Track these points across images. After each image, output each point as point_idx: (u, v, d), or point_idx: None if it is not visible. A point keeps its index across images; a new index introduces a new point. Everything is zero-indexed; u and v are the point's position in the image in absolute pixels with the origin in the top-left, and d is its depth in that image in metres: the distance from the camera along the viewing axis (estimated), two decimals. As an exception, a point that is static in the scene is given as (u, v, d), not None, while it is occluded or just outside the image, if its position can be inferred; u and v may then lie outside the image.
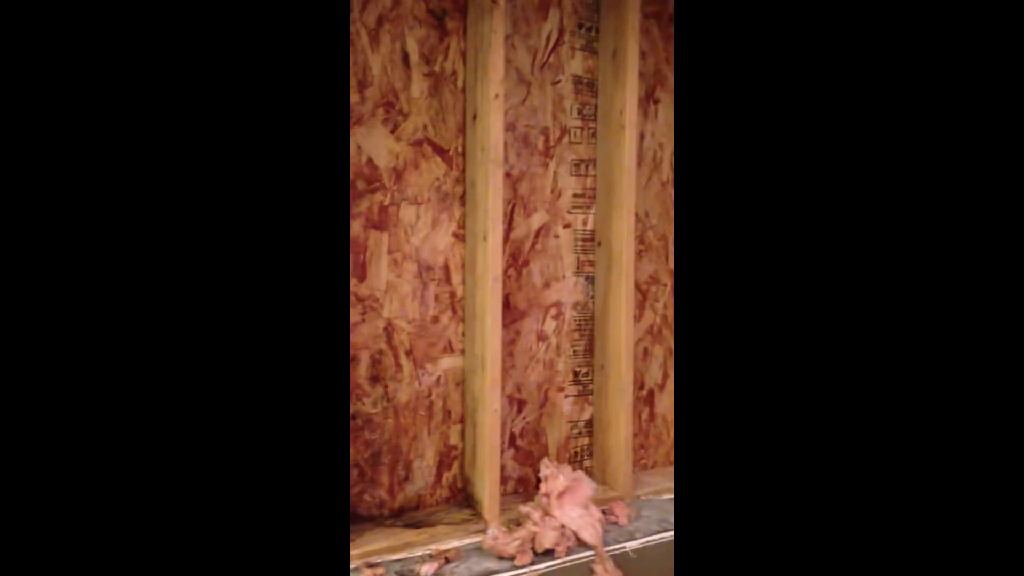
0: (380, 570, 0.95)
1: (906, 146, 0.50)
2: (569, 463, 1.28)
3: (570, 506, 1.04)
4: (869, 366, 0.50)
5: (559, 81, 1.22)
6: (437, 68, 1.11)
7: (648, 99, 1.32)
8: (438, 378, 1.15)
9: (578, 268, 1.27)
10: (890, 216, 0.50)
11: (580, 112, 1.25)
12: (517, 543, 0.97)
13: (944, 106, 0.49)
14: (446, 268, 1.14)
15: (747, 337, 0.52)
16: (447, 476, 1.17)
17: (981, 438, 0.48)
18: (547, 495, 1.05)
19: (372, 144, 1.07)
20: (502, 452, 1.20)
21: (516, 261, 1.20)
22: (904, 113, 0.50)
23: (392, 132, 1.08)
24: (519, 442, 1.24)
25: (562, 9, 1.21)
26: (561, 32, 1.22)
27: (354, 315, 1.08)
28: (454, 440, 1.17)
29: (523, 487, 1.24)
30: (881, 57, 0.50)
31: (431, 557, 0.98)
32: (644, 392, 1.38)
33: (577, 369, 1.28)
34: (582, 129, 1.25)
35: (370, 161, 1.07)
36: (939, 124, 0.50)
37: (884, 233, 0.50)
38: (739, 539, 0.51)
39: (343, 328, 0.56)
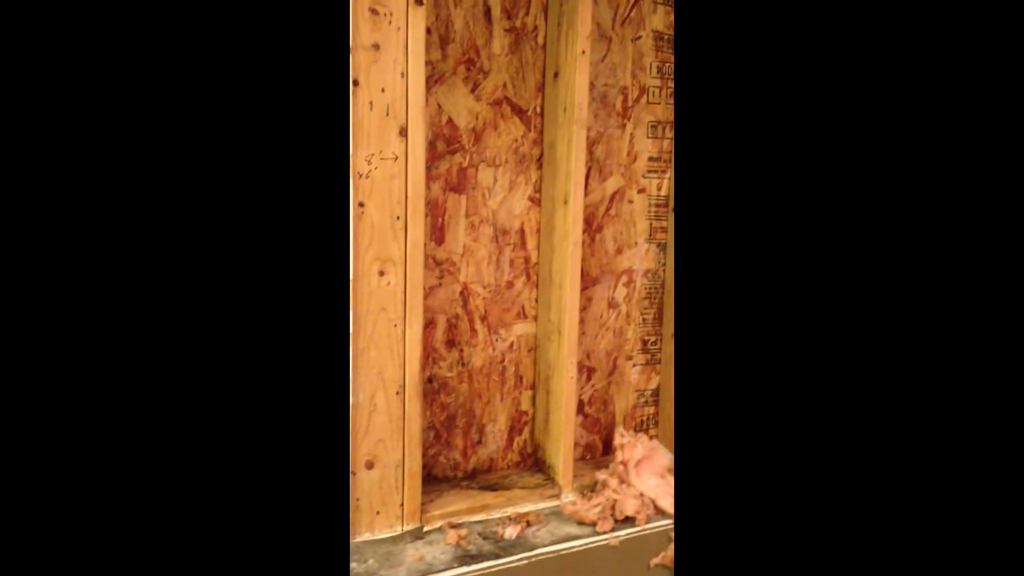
0: (463, 531, 0.96)
1: (900, 153, 0.49)
2: (635, 431, 1.27)
3: (647, 475, 1.03)
4: (867, 369, 0.49)
5: (640, 37, 1.16)
6: (518, 23, 1.06)
7: (729, 57, 1.26)
8: (511, 344, 1.14)
9: (651, 235, 1.24)
10: (887, 221, 0.49)
11: (660, 70, 1.19)
12: (598, 509, 0.97)
13: (934, 118, 0.48)
14: (521, 232, 1.12)
15: (746, 335, 0.51)
16: (518, 441, 1.17)
17: (978, 439, 0.47)
18: (624, 463, 1.04)
19: (452, 103, 1.04)
20: (572, 419, 1.20)
21: (590, 227, 1.17)
22: (899, 119, 0.49)
23: (472, 91, 1.05)
24: (587, 409, 1.23)
25: (646, -41, 1.15)
26: (644, -16, 1.15)
27: (431, 279, 1.06)
28: (525, 406, 1.17)
29: (590, 454, 1.24)
30: (883, 58, 0.48)
31: (512, 520, 0.98)
32: (712, 362, 1.35)
33: (646, 338, 1.26)
34: (661, 88, 1.20)
35: (450, 121, 1.04)
36: (927, 146, 0.48)
37: (881, 237, 0.49)
38: (737, 533, 0.51)
39: (343, 335, 0.55)
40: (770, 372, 0.50)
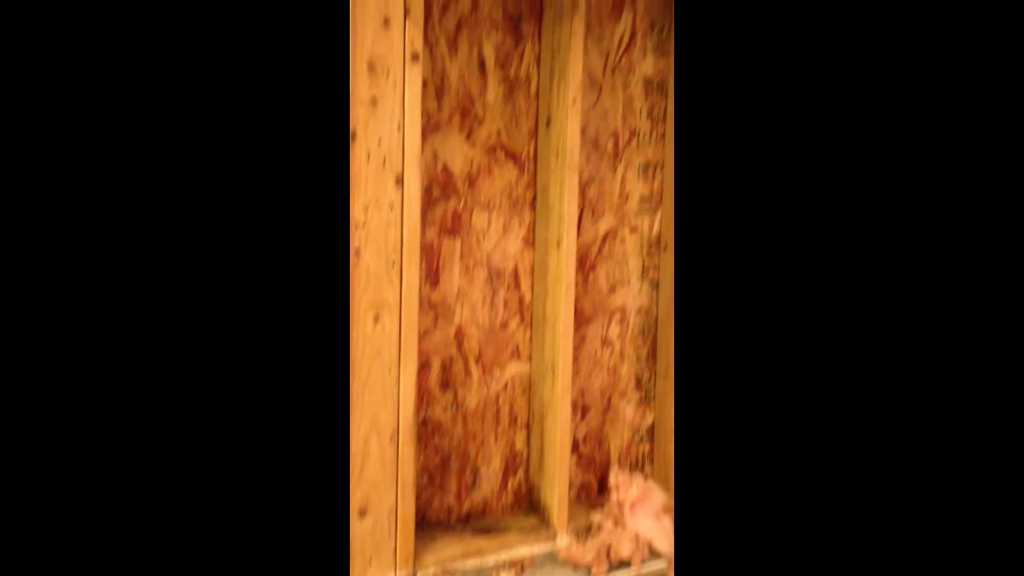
0: (458, 577, 0.95)
1: (894, 177, 0.49)
2: (630, 470, 1.28)
3: (643, 515, 1.03)
4: (869, 408, 0.49)
5: (630, 83, 1.20)
6: (512, 73, 1.09)
7: (717, 101, 1.29)
8: (505, 384, 1.15)
9: (643, 273, 1.26)
10: (886, 256, 0.50)
11: (649, 114, 1.23)
12: (594, 552, 0.96)
13: (922, 134, 0.49)
14: (515, 273, 1.13)
15: (745, 373, 0.52)
16: (512, 481, 1.17)
17: (975, 441, 0.47)
18: (619, 504, 1.04)
19: (448, 150, 1.06)
20: (567, 458, 1.20)
21: (583, 266, 1.19)
22: (893, 131, 0.49)
23: (467, 138, 1.07)
24: (582, 448, 1.23)
25: (635, 10, 1.19)
26: (633, 33, 1.19)
27: (426, 321, 1.08)
28: (519, 446, 1.17)
29: (585, 493, 1.24)
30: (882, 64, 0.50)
31: (506, 566, 0.98)
32: (706, 398, 1.36)
33: (640, 375, 1.27)
34: (650, 131, 1.23)
35: (445, 168, 1.06)
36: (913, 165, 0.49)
37: (880, 274, 0.50)
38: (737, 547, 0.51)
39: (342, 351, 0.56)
40: (769, 411, 0.51)
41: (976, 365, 0.48)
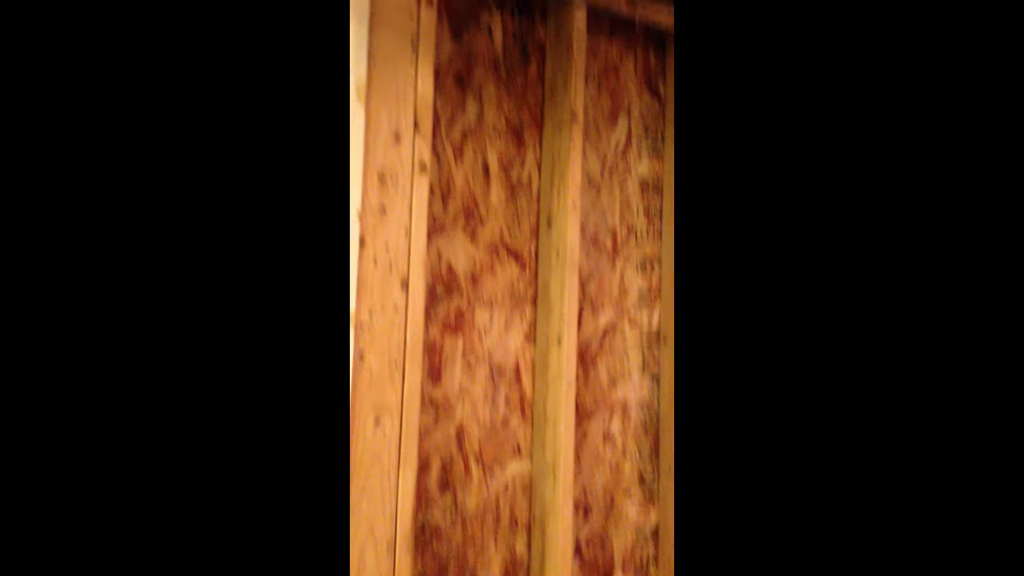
0: None
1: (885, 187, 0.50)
2: (635, 574, 1.22)
3: (651, 632, 0.97)
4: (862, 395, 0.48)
5: (626, 183, 1.25)
6: (514, 177, 1.14)
7: (710, 199, 1.34)
8: (505, 484, 1.11)
9: (644, 366, 1.26)
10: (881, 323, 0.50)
11: (646, 211, 1.27)
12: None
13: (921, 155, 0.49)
14: (516, 369, 1.13)
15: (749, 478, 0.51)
16: (513, 589, 1.11)
17: (973, 445, 0.46)
18: (626, 619, 0.99)
19: (452, 250, 1.08)
20: (569, 563, 1.15)
21: (584, 360, 1.19)
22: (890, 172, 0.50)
23: (471, 238, 1.10)
24: (584, 551, 1.18)
25: (630, 117, 1.25)
26: (629, 138, 1.25)
27: (427, 419, 1.06)
28: (520, 550, 1.12)
29: (589, 600, 1.18)
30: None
31: None
32: (710, 496, 1.32)
33: (643, 472, 1.24)
34: (648, 228, 1.27)
35: (449, 267, 1.08)
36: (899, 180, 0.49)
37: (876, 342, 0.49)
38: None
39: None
40: (776, 518, 0.49)
41: (975, 397, 0.47)
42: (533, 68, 1.16)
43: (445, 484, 1.07)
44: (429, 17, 0.98)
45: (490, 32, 1.12)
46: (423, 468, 1.05)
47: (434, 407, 1.07)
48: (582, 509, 1.18)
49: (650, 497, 1.25)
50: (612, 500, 1.21)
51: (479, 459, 1.10)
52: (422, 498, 1.05)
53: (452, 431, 1.08)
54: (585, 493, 1.18)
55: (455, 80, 1.08)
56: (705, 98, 0.55)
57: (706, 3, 0.55)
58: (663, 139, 1.29)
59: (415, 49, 0.95)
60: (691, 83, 0.56)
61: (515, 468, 1.12)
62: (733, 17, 0.54)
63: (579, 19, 1.11)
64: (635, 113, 1.26)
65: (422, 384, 1.04)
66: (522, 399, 1.13)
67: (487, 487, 1.10)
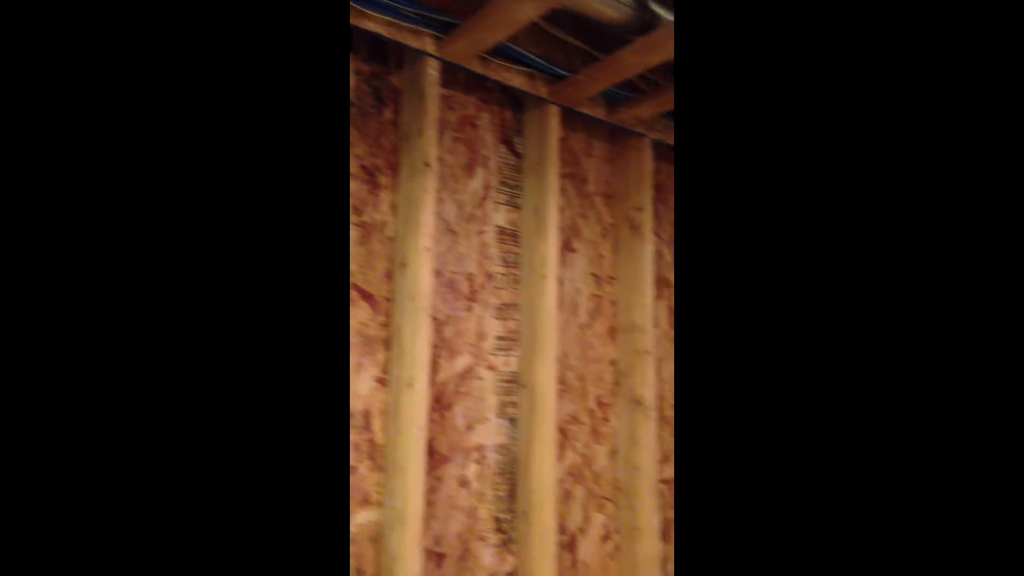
0: None
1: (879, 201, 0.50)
2: (490, 622, 1.20)
3: None
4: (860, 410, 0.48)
5: (484, 231, 1.29)
6: (367, 218, 1.14)
7: (566, 248, 1.42)
8: (352, 535, 1.06)
9: (500, 410, 1.28)
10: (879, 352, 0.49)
11: (504, 259, 1.32)
12: None
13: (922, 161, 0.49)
14: (367, 414, 1.10)
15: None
16: (357, 651, 1.05)
17: (970, 442, 0.46)
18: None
19: (297, 290, 1.05)
20: (419, 617, 1.10)
21: (440, 404, 1.19)
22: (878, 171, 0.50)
23: (319, 278, 1.08)
24: (437, 603, 1.15)
25: (488, 168, 1.31)
26: (487, 188, 1.31)
27: (264, 470, 0.99)
28: (366, 607, 1.06)
29: (441, 656, 1.13)
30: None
31: None
32: (566, 537, 1.35)
33: (499, 515, 1.24)
34: (505, 275, 1.31)
35: (294, 307, 1.05)
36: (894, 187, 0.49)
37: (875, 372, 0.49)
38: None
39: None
40: (774, 514, 0.48)
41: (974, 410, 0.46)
42: (388, 113, 1.18)
43: (282, 540, 1.00)
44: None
45: (348, 79, 1.14)
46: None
47: (272, 456, 1.01)
48: (435, 558, 1.15)
49: (506, 541, 1.24)
50: (467, 546, 1.20)
51: (322, 511, 1.04)
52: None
53: (293, 481, 1.02)
54: (438, 541, 1.16)
55: (309, 122, 1.08)
56: (705, 99, 0.54)
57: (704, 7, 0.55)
58: (521, 191, 1.36)
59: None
60: (691, 83, 0.56)
61: (363, 518, 1.08)
62: (731, 16, 0.54)
63: (432, 71, 1.16)
64: (492, 166, 1.32)
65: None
66: (372, 445, 1.10)
67: (331, 541, 1.04)
